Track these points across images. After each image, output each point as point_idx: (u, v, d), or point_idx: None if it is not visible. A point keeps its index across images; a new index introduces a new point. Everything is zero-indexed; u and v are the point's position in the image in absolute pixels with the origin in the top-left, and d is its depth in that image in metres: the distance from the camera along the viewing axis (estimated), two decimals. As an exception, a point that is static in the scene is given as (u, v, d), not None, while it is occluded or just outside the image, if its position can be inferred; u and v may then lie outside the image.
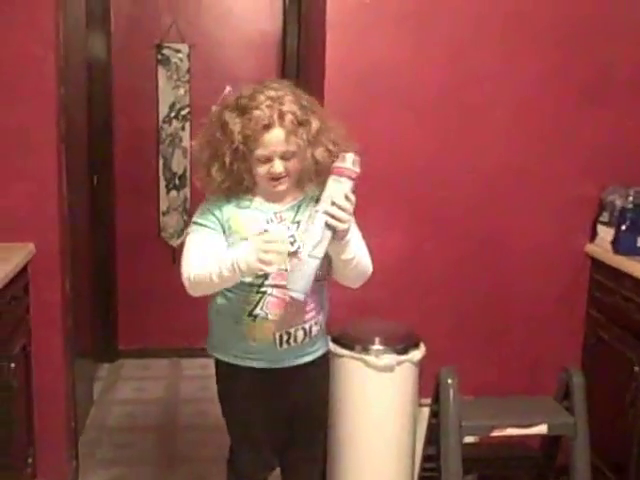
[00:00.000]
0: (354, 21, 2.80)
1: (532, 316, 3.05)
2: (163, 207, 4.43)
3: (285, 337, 2.04)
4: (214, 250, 1.96)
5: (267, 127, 1.90)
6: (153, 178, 4.40)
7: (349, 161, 1.85)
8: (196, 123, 4.31)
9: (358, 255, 1.99)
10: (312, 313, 2.06)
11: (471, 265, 3.00)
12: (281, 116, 1.90)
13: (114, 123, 4.29)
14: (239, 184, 1.99)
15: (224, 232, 2.00)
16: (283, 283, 1.91)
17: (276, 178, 1.95)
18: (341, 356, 2.67)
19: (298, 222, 2.01)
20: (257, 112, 1.88)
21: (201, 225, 2.00)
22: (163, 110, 4.35)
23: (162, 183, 4.42)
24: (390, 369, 2.63)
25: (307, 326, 2.05)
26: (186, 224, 4.07)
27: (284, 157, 1.93)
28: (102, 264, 4.28)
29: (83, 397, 3.56)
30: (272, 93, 1.91)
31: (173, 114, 4.36)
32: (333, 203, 1.83)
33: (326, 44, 2.81)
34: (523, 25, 2.86)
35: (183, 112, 4.36)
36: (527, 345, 3.06)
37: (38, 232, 2.77)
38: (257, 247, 1.80)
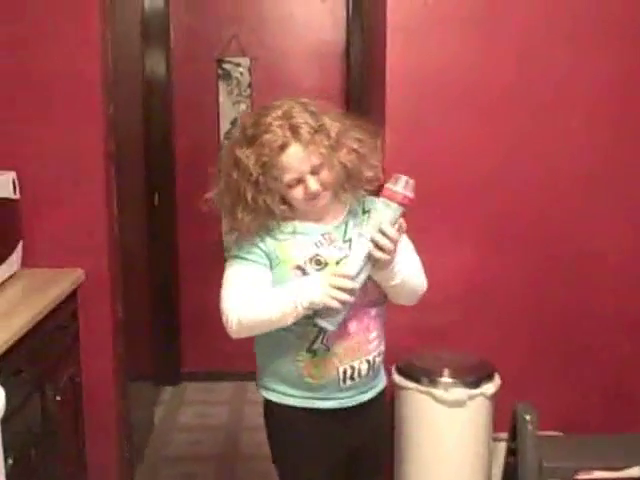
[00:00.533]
0: (416, 24, 2.60)
1: (618, 342, 2.76)
2: (226, 226, 4.28)
3: (349, 372, 1.83)
4: (262, 286, 1.78)
5: (283, 147, 1.71)
6: (216, 196, 4.27)
7: (401, 184, 1.66)
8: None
9: (407, 276, 1.81)
10: (375, 342, 1.86)
11: (547, 284, 2.75)
12: (294, 130, 1.72)
13: (174, 140, 4.19)
14: (271, 217, 1.80)
15: (270, 265, 1.81)
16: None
17: (315, 196, 1.77)
18: (406, 389, 2.46)
19: (350, 240, 1.81)
20: (267, 135, 1.71)
21: (244, 259, 1.81)
22: (224, 126, 4.22)
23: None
24: (461, 404, 2.41)
25: (371, 357, 1.85)
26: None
27: (314, 172, 1.75)
28: (164, 285, 4.19)
29: (142, 423, 3.45)
30: (277, 112, 1.74)
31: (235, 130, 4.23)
32: (380, 231, 1.65)
33: (387, 49, 2.62)
34: (596, 24, 2.61)
35: (245, 127, 4.22)
36: (613, 374, 2.77)
37: (87, 257, 2.67)
38: (326, 283, 1.66)
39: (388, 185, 1.67)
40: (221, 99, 4.19)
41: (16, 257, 2.55)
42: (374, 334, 1.84)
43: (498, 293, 2.73)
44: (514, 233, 2.72)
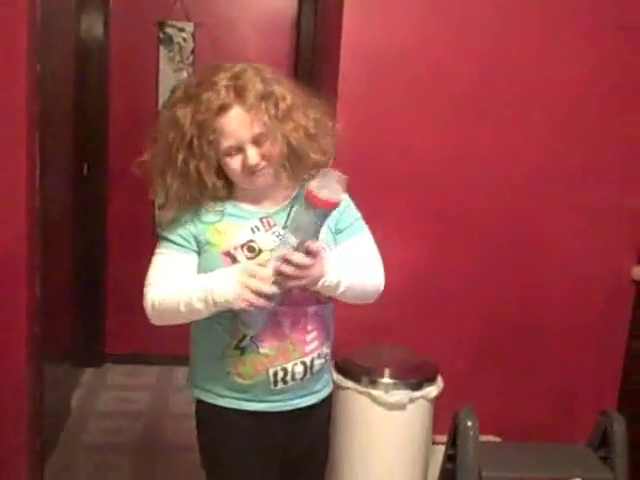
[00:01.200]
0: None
1: (565, 347, 2.69)
2: (159, 201, 4.04)
3: (281, 374, 1.65)
4: (184, 273, 1.61)
5: (223, 108, 1.54)
6: (150, 168, 4.02)
7: (326, 183, 1.44)
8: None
9: (353, 282, 1.63)
10: (314, 344, 1.68)
11: (497, 284, 2.64)
12: (239, 93, 1.55)
13: (109, 108, 3.92)
14: (203, 188, 1.61)
15: (198, 247, 1.64)
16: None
17: (254, 170, 1.59)
18: (345, 388, 2.31)
19: None
20: (209, 94, 1.55)
21: (170, 241, 1.64)
22: (163, 94, 3.96)
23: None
24: (401, 407, 2.28)
25: (308, 360, 1.67)
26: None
27: (255, 142, 1.57)
28: (89, 261, 3.94)
29: (57, 408, 3.22)
30: (227, 73, 1.57)
31: (174, 99, 3.98)
32: (284, 259, 1.47)
33: (342, 24, 2.44)
34: (576, 7, 2.47)
35: (185, 97, 3.98)
36: (559, 381, 2.69)
37: (2, 228, 2.40)
38: (240, 281, 1.48)
39: (311, 184, 1.45)
40: (161, 65, 3.95)
41: None
42: (312, 335, 1.67)
43: (444, 292, 2.62)
44: (463, 230, 2.60)
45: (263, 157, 1.57)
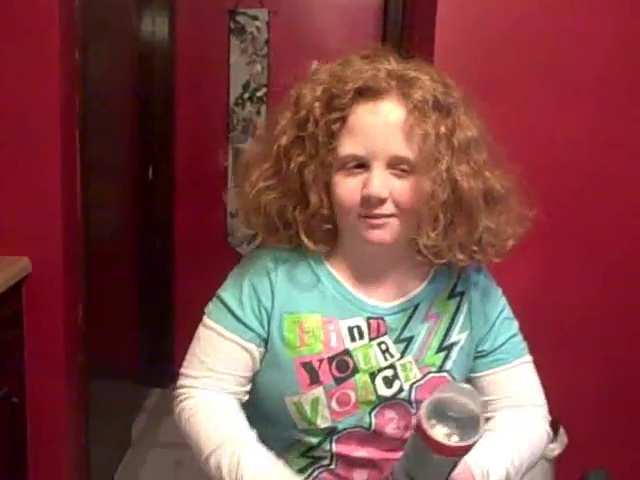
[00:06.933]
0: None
1: None
2: (232, 207, 3.68)
3: None
4: (235, 385, 1.15)
5: (371, 92, 1.02)
6: (221, 172, 3.65)
7: (455, 408, 0.89)
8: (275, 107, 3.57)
9: (524, 464, 1.12)
10: None
11: (628, 316, 2.11)
12: (404, 86, 1.03)
13: (176, 106, 3.59)
14: (293, 210, 1.10)
15: (265, 341, 1.14)
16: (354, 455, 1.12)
17: (373, 212, 1.05)
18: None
19: (409, 340, 1.13)
20: (354, 69, 1.06)
21: (223, 324, 1.15)
22: (235, 90, 3.61)
23: (232, 178, 3.67)
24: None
25: None
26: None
27: (394, 165, 1.03)
28: (155, 272, 3.61)
29: (114, 439, 2.88)
30: (392, 63, 1.08)
31: (247, 95, 3.62)
32: None
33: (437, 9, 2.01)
34: None
35: (259, 93, 3.62)
36: None
37: (35, 243, 2.07)
38: None
39: (425, 413, 0.89)
40: (232, 58, 3.58)
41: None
42: None
43: (561, 323, 2.11)
44: (595, 241, 2.10)
45: (395, 199, 1.04)
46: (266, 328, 1.12)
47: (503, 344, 1.18)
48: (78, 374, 2.26)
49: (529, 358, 1.21)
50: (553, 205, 2.04)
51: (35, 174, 2.03)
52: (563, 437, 1.89)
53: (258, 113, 3.63)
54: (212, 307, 1.19)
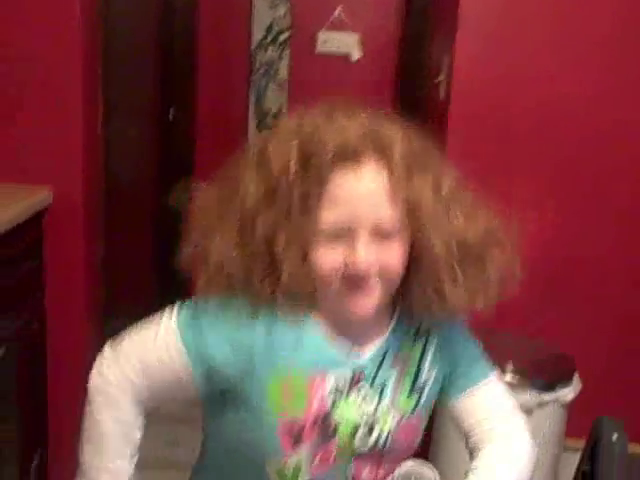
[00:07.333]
0: None
1: None
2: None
3: None
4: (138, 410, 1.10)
5: (349, 157, 0.94)
6: (242, 115, 3.64)
7: None
8: (297, 51, 3.53)
9: None
10: None
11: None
12: (382, 146, 0.96)
13: (198, 48, 3.55)
14: (261, 274, 0.99)
15: (231, 393, 1.04)
16: None
17: (358, 282, 0.98)
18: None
19: (382, 387, 1.09)
20: (332, 135, 0.97)
21: (186, 339, 1.04)
22: (257, 33, 3.57)
23: (252, 122, 3.66)
24: (527, 412, 1.79)
25: None
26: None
27: (379, 233, 0.97)
28: (175, 216, 3.61)
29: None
30: (364, 120, 1.01)
31: (269, 39, 3.58)
32: None
33: None
34: None
35: (282, 37, 3.57)
36: None
37: (56, 173, 2.07)
38: None
39: None
40: (255, 1, 3.53)
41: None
42: None
43: (580, 271, 2.11)
44: (611, 191, 2.08)
45: (381, 265, 0.98)
46: (234, 383, 1.03)
47: (471, 370, 1.16)
48: (96, 308, 2.28)
49: (494, 373, 1.19)
50: (564, 157, 2.07)
51: (58, 107, 2.04)
52: (577, 382, 1.90)
53: (280, 58, 3.60)
54: (186, 320, 1.06)
